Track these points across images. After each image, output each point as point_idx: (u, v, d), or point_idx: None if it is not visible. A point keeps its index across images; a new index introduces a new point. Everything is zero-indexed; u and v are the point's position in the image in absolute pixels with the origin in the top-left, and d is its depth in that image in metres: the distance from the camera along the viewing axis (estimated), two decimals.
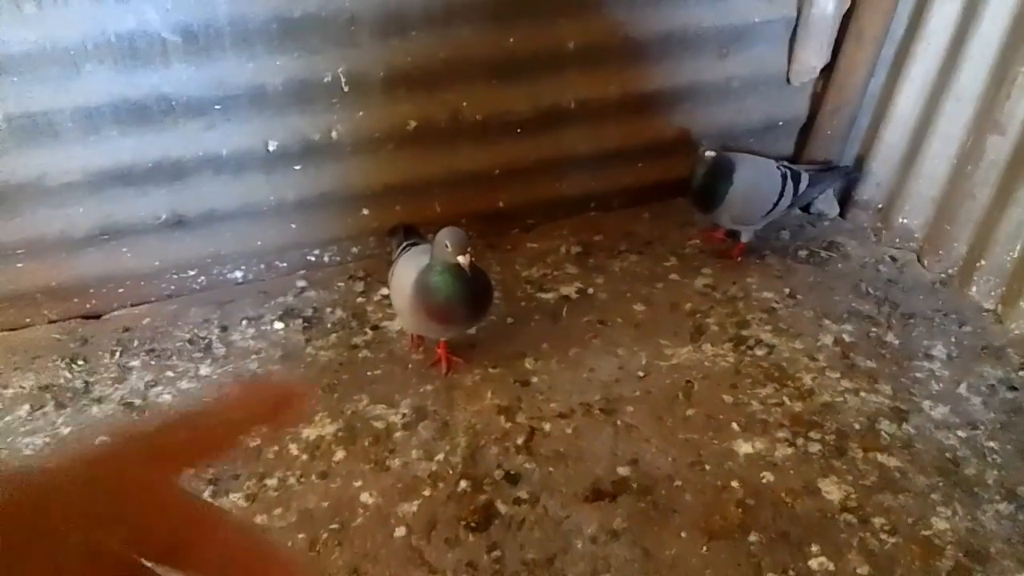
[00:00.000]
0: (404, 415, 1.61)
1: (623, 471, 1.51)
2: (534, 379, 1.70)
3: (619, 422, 1.61)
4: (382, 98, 1.85)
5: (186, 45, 1.65)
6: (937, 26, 1.96)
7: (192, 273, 1.94)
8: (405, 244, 1.69)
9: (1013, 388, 1.69)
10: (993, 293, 1.90)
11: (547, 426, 1.59)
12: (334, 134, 1.85)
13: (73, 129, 1.67)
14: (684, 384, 1.69)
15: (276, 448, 1.54)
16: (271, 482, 1.47)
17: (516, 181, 2.11)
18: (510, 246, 2.11)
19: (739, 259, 2.07)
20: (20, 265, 1.79)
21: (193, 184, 1.82)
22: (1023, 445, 1.56)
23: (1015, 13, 1.78)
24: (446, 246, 1.42)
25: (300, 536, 1.38)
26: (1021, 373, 1.72)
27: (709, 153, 1.91)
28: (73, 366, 1.73)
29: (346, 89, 1.81)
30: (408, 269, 1.56)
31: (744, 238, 2.05)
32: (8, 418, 1.61)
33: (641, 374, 1.72)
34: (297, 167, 1.88)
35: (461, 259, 1.41)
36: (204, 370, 1.71)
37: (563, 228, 2.18)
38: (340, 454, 1.52)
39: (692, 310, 1.90)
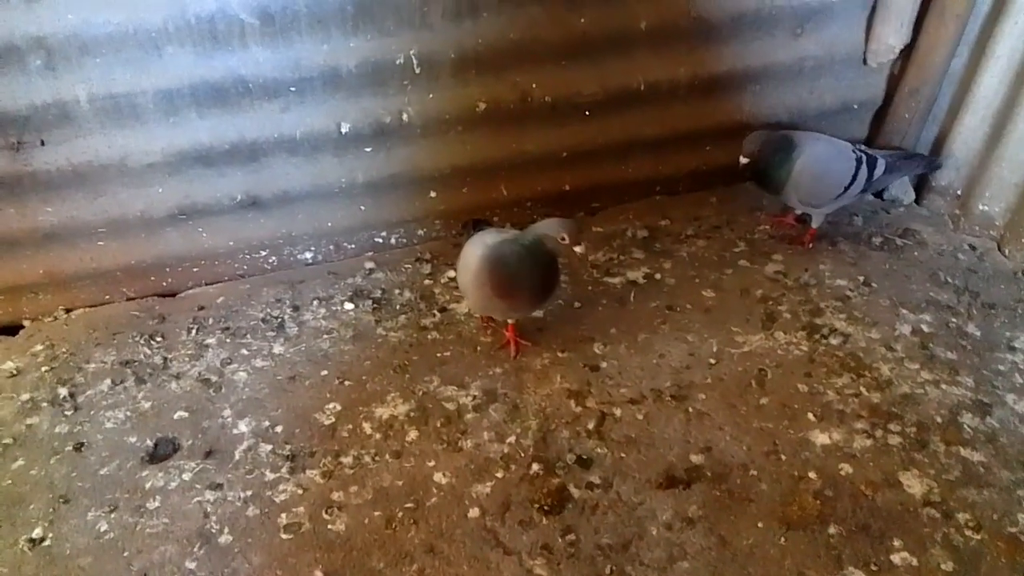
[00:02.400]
0: (475, 397, 1.62)
1: (696, 458, 1.49)
2: (603, 364, 1.69)
3: (691, 409, 1.59)
4: (453, 80, 1.85)
5: (263, 27, 1.67)
6: None
7: (264, 253, 1.98)
8: (475, 231, 1.68)
9: None
10: None
11: (618, 411, 1.59)
12: (405, 116, 1.86)
13: (154, 111, 1.70)
14: (757, 372, 1.67)
15: (350, 426, 1.56)
16: (346, 460, 1.50)
17: (583, 163, 2.10)
18: None
19: (810, 245, 2.02)
20: (101, 244, 1.84)
21: (268, 165, 1.85)
22: None
23: None
24: (563, 238, 1.47)
25: (376, 514, 1.40)
26: None
27: (744, 156, 1.87)
28: (152, 342, 1.78)
29: (418, 71, 1.81)
30: (475, 248, 1.57)
31: (815, 223, 2.01)
32: (90, 392, 1.67)
33: (712, 361, 1.70)
34: (368, 149, 1.89)
35: (578, 249, 1.47)
36: (277, 349, 1.75)
37: (628, 212, 2.16)
38: (413, 434, 1.54)
39: (763, 296, 1.87)
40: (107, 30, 1.59)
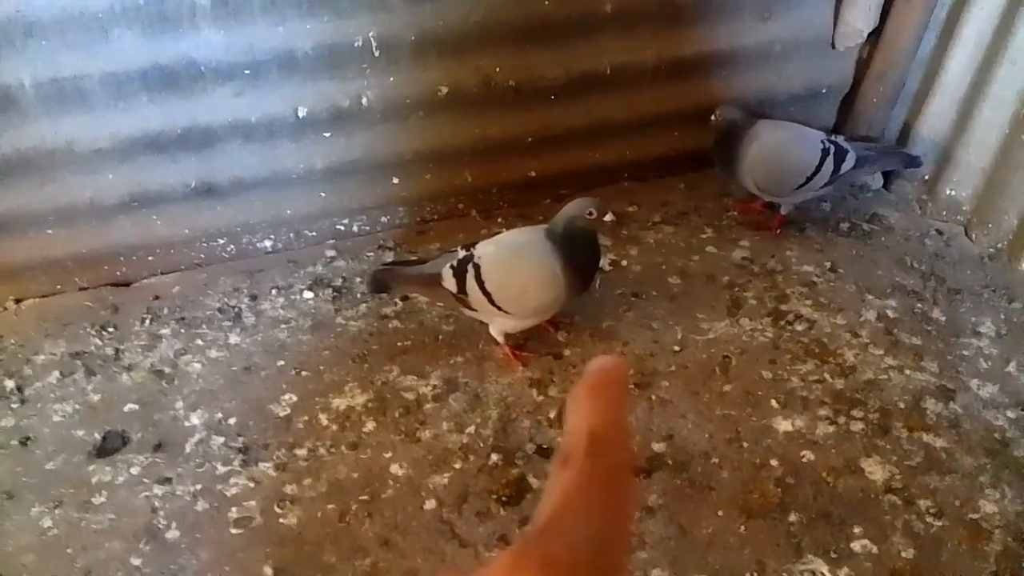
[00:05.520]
0: (435, 386, 1.58)
1: (658, 447, 1.47)
2: (566, 352, 1.67)
3: (654, 397, 1.57)
4: (413, 63, 1.81)
5: (215, 9, 1.61)
6: None
7: (221, 242, 1.93)
8: (462, 257, 1.54)
9: None
10: None
11: None
12: (364, 100, 1.81)
13: (102, 95, 1.64)
14: (721, 359, 1.65)
15: (306, 418, 1.52)
16: (301, 452, 1.46)
17: (548, 149, 2.06)
18: (541, 216, 2.04)
19: (778, 231, 2.01)
20: (51, 232, 1.78)
21: (222, 151, 1.79)
22: None
23: None
24: (591, 213, 1.50)
25: (330, 507, 1.37)
26: None
27: (715, 115, 1.88)
28: (104, 333, 1.73)
29: (377, 54, 1.76)
30: (525, 258, 1.51)
31: (783, 210, 1.99)
32: (38, 384, 1.61)
33: (677, 348, 1.68)
34: (327, 134, 1.84)
35: (608, 218, 1.51)
36: (233, 339, 1.70)
37: (596, 198, 2.12)
38: (370, 425, 1.51)
39: (729, 283, 1.85)
40: (51, 12, 1.53)
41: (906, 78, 2.11)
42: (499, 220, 2.06)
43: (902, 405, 1.55)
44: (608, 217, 1.52)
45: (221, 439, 1.48)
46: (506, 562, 0.31)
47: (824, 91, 2.20)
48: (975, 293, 1.82)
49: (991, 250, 1.93)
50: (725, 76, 2.09)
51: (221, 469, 1.43)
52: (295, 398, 1.56)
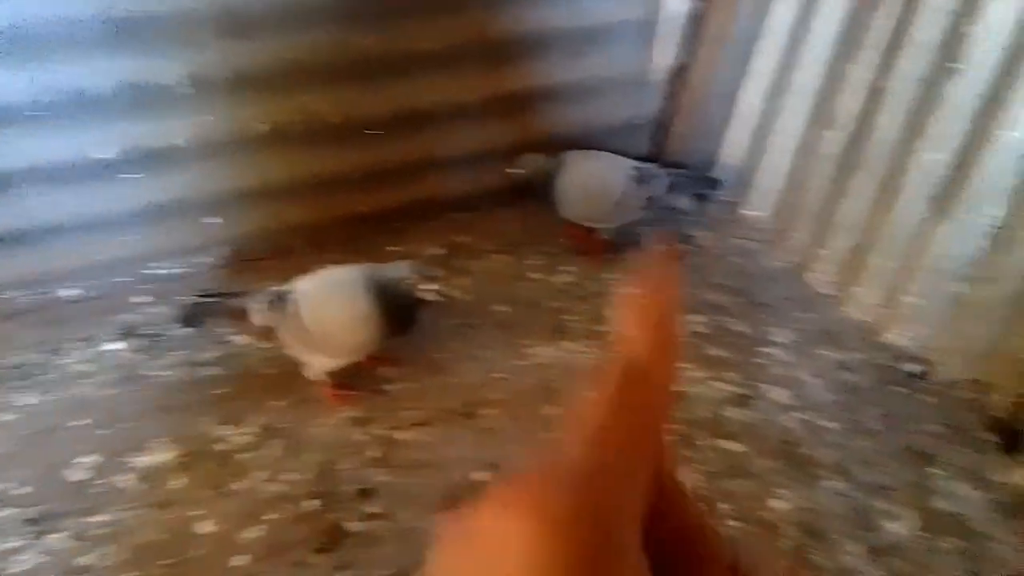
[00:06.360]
0: (252, 434, 1.54)
1: (480, 475, 1.50)
2: (389, 387, 1.67)
3: (480, 426, 1.60)
4: (231, 101, 1.77)
5: (10, 46, 1.51)
6: (776, 25, 2.05)
7: (20, 293, 1.80)
8: (278, 295, 1.52)
9: (848, 370, 1.79)
10: (832, 280, 2.00)
11: (405, 435, 1.57)
12: (179, 140, 1.75)
13: None
14: (545, 384, 1.70)
15: (109, 479, 1.44)
16: (103, 518, 1.37)
17: (378, 185, 2.07)
18: (373, 251, 2.06)
19: (601, 256, 2.10)
20: None
21: (21, 197, 1.68)
22: (857, 424, 1.66)
23: (847, 11, 1.87)
24: (413, 279, 1.51)
25: (131, 575, 1.29)
26: (856, 355, 1.83)
27: (512, 170, 1.99)
28: None
29: (191, 92, 1.71)
30: (338, 299, 1.50)
31: (604, 235, 2.09)
32: None
33: (503, 375, 1.72)
34: (138, 175, 1.76)
35: (432, 294, 1.53)
36: (31, 399, 1.59)
37: (428, 231, 2.15)
38: (180, 481, 1.44)
39: (554, 308, 1.92)
40: None
41: (711, 110, 2.28)
42: (329, 257, 2.03)
43: (707, 415, 1.65)
44: (431, 295, 1.53)
45: (12, 511, 1.37)
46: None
47: (640, 123, 2.34)
48: (773, 305, 1.98)
49: (787, 265, 2.11)
50: (546, 111, 2.17)
51: (10, 544, 1.32)
52: (98, 459, 1.47)
